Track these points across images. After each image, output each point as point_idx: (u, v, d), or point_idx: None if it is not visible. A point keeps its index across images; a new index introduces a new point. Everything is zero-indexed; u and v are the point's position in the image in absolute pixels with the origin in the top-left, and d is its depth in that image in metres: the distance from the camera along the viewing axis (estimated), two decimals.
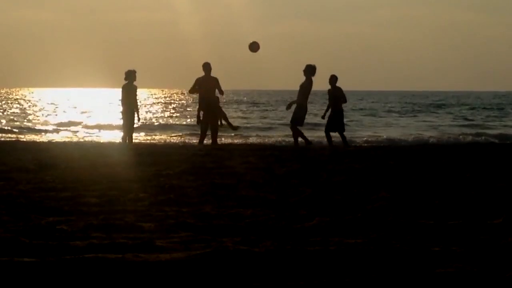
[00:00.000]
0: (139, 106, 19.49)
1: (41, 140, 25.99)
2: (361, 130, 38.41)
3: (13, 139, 24.99)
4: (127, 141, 19.05)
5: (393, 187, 8.74)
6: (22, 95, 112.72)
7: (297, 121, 18.70)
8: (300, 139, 18.70)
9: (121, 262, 4.51)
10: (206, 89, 18.64)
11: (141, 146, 18.78)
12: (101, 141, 22.96)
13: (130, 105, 18.90)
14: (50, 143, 21.40)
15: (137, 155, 13.97)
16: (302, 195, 8.10)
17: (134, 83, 19.01)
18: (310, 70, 18.43)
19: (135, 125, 19.37)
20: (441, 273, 4.35)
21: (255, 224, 6.25)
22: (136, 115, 19.00)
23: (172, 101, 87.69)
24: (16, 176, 9.98)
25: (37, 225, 6.05)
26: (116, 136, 28.77)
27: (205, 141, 19.18)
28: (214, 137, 19.04)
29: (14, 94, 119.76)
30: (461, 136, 30.98)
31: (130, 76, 18.90)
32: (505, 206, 7.08)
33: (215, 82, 18.67)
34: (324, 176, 10.08)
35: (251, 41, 18.39)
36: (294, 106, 18.79)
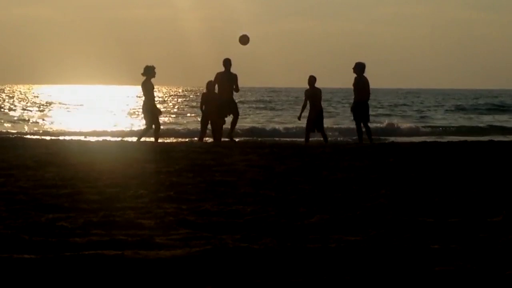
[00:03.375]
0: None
1: (43, 137, 25.97)
2: None
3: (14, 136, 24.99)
4: (156, 139, 18.76)
5: (393, 184, 8.74)
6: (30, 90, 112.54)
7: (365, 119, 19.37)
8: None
9: (120, 259, 4.51)
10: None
11: (141, 143, 18.76)
12: (102, 139, 22.93)
13: (150, 101, 18.61)
14: (50, 140, 21.39)
15: (137, 152, 13.97)
16: (302, 192, 8.10)
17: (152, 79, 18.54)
18: (360, 68, 19.22)
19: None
20: (441, 271, 4.35)
21: (255, 221, 6.25)
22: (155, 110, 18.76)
23: (171, 99, 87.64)
24: (16, 173, 9.98)
25: (37, 222, 6.06)
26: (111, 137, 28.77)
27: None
28: (216, 136, 19.06)
29: (24, 91, 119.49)
30: None
31: (150, 72, 18.41)
32: (504, 203, 7.08)
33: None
34: (324, 173, 10.08)
35: (241, 34, 18.51)
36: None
